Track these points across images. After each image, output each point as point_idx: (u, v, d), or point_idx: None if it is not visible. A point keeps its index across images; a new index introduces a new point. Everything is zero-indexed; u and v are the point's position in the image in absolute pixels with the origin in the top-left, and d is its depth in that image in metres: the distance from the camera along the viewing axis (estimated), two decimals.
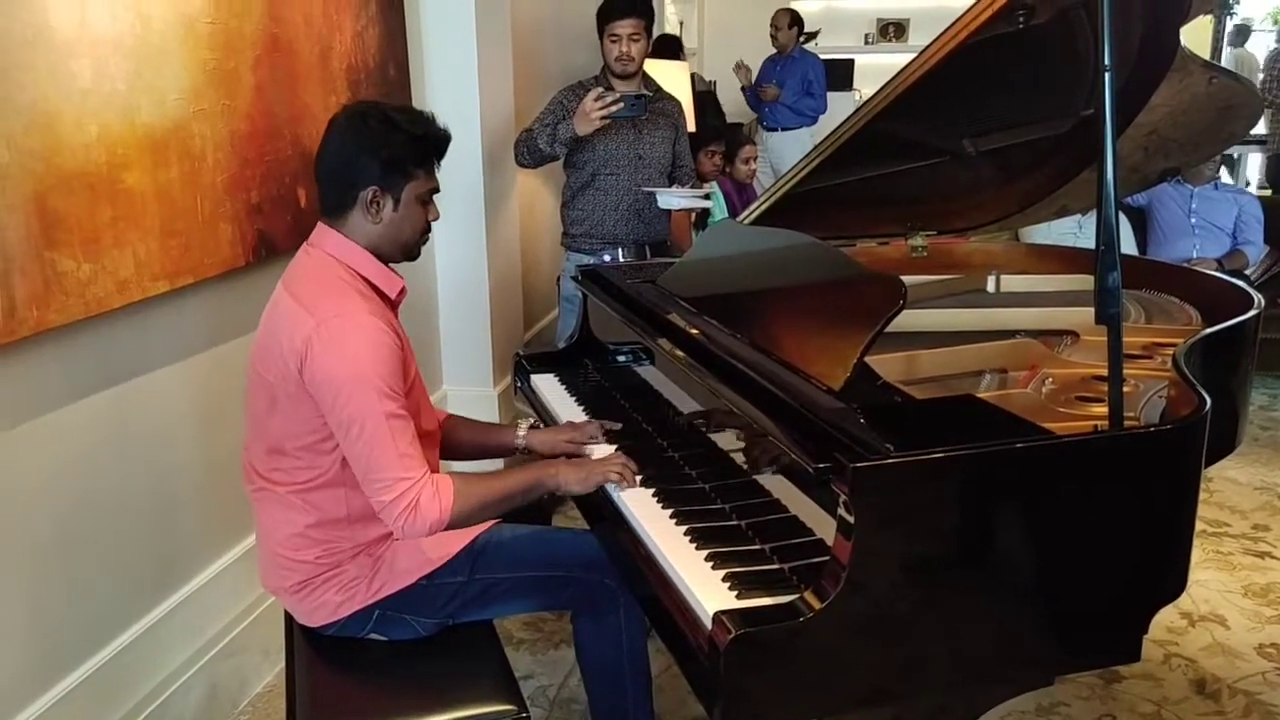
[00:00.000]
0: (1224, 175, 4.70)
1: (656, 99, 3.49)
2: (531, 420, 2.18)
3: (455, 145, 1.85)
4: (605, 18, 3.39)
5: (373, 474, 1.64)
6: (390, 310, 1.81)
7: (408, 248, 1.83)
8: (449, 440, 2.06)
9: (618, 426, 2.10)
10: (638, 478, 1.85)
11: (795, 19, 6.70)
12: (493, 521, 1.87)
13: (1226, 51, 8.86)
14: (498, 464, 3.32)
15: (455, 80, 3.36)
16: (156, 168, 2.05)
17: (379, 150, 1.72)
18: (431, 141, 1.78)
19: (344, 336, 1.64)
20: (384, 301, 1.79)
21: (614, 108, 3.18)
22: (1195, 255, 4.54)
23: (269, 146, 2.43)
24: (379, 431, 1.63)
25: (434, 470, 1.80)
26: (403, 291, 1.84)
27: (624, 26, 3.34)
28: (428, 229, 1.85)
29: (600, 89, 3.25)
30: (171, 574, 2.26)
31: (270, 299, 1.79)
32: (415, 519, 1.65)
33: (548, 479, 1.84)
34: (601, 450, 2.03)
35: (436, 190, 1.82)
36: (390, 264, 1.83)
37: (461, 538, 1.83)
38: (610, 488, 1.85)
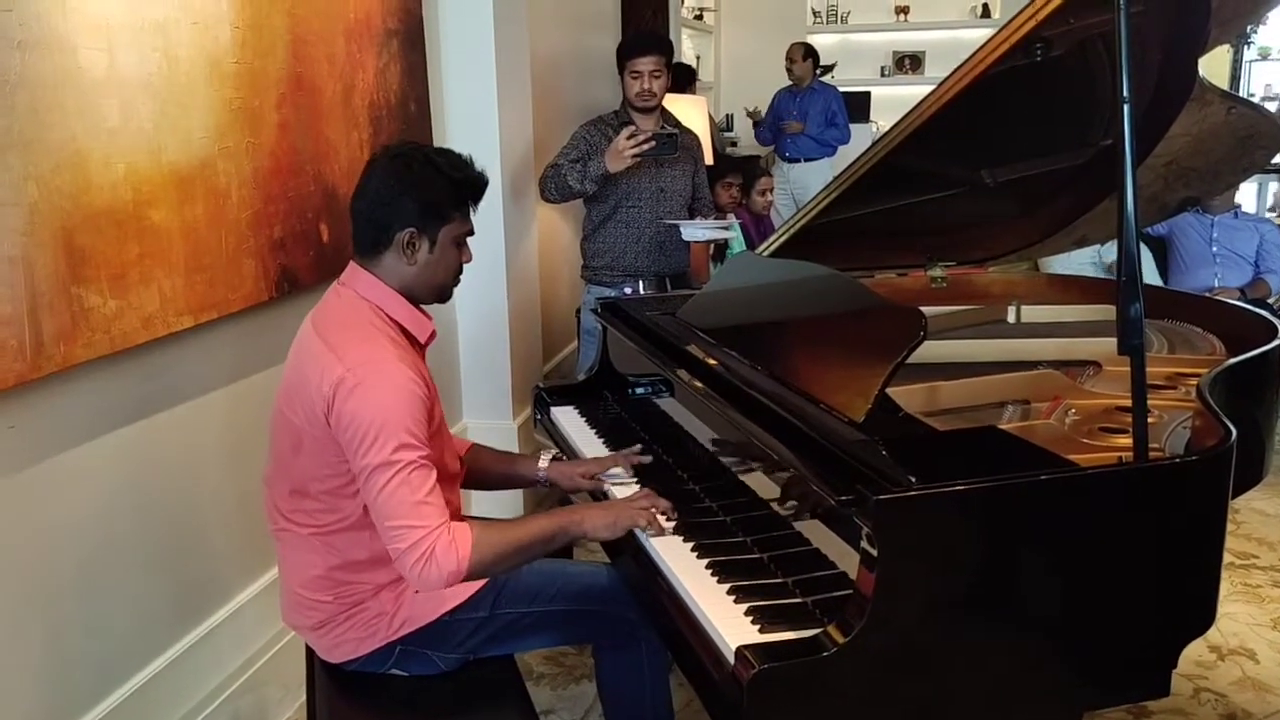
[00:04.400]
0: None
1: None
2: (554, 452, 2.16)
3: None
4: (626, 55, 3.44)
5: (389, 522, 1.61)
6: (419, 354, 1.80)
7: (440, 290, 1.83)
8: (472, 469, 2.06)
9: (646, 460, 2.04)
10: (669, 523, 1.79)
11: (810, 52, 6.75)
12: None
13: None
14: (516, 496, 3.35)
15: (475, 115, 3.39)
16: (182, 205, 2.08)
17: (419, 193, 1.72)
18: (470, 185, 1.78)
19: (371, 384, 1.63)
20: (412, 345, 1.79)
21: (645, 146, 3.21)
22: (1217, 284, 4.51)
23: (292, 183, 2.45)
24: (399, 480, 1.60)
25: (454, 508, 1.79)
26: (432, 335, 1.83)
27: (645, 63, 3.39)
28: (460, 271, 1.85)
29: (633, 127, 3.29)
30: (193, 608, 2.27)
31: (297, 336, 1.79)
32: (430, 568, 1.58)
33: (573, 527, 1.77)
34: (621, 488, 1.98)
35: (471, 233, 1.82)
36: (421, 305, 1.82)
37: None
38: None
